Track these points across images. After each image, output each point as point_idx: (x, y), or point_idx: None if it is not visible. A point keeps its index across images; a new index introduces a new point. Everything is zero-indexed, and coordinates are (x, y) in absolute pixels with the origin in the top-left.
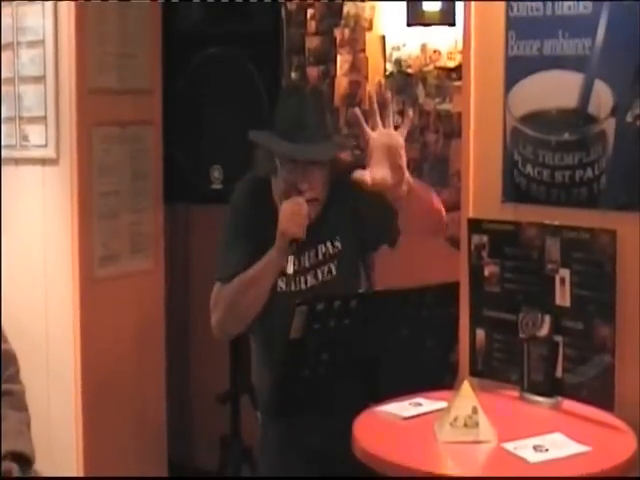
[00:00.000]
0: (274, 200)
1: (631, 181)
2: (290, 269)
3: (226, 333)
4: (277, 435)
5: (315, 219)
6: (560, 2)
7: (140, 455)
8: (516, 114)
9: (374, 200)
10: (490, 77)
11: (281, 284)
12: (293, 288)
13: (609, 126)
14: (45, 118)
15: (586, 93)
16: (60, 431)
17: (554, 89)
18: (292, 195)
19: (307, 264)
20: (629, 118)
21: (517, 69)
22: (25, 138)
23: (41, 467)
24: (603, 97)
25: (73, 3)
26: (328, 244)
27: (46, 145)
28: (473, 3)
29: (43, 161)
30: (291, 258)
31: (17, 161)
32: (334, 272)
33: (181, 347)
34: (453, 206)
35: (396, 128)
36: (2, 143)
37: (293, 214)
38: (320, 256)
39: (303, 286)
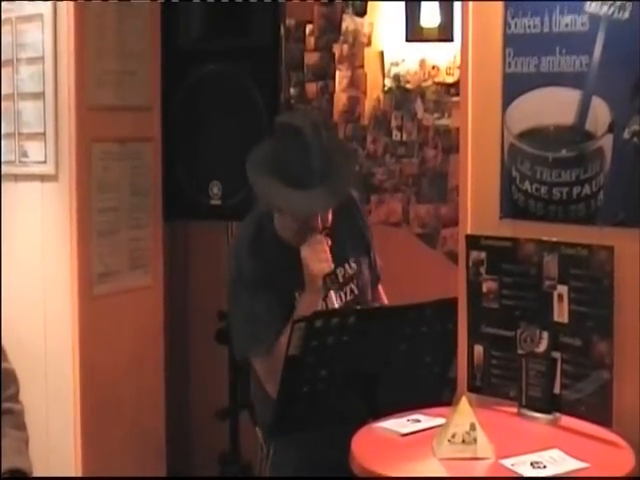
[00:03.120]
0: (278, 234)
1: (629, 197)
2: (335, 304)
3: None
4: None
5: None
6: (557, 19)
7: (139, 471)
8: (514, 130)
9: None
10: (488, 93)
11: None
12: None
13: (606, 143)
14: (44, 134)
15: (583, 110)
16: (59, 447)
17: (552, 106)
18: (306, 234)
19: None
20: (626, 135)
21: (515, 86)
22: (24, 154)
23: None
24: (600, 114)
25: (72, 20)
26: (346, 266)
27: (45, 161)
28: (471, 19)
29: (42, 177)
30: (332, 294)
31: (16, 177)
32: (356, 292)
33: (180, 363)
34: (452, 221)
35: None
36: (1, 159)
37: (316, 253)
38: (341, 278)
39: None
